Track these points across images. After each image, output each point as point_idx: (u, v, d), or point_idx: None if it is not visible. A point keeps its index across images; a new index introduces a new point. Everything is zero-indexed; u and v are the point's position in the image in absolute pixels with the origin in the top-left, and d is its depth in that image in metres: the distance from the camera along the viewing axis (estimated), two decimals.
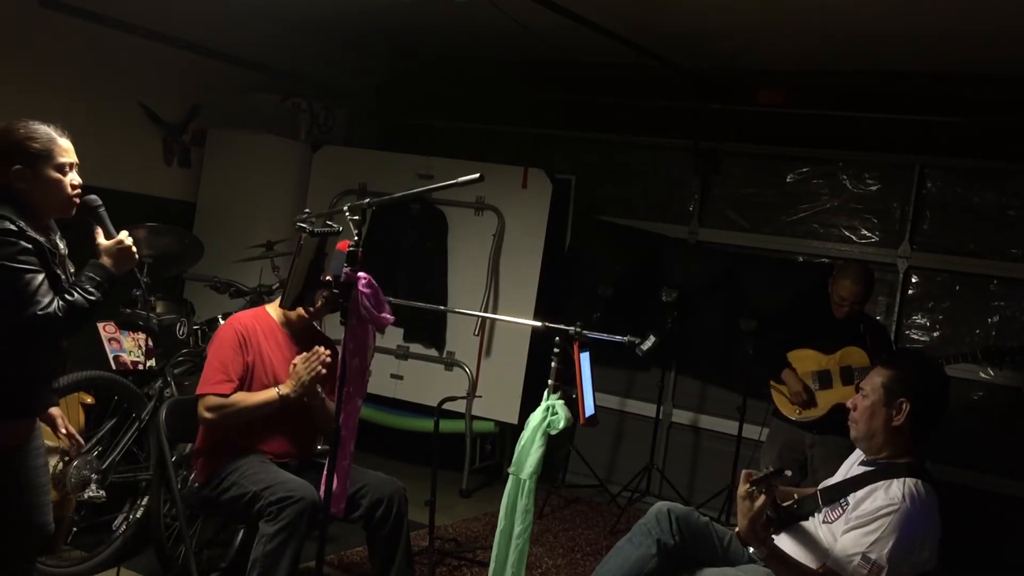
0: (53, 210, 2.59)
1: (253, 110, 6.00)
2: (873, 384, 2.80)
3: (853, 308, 4.29)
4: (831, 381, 4.31)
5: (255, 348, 3.38)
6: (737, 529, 2.70)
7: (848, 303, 4.27)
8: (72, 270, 2.65)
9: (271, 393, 3.29)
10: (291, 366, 3.34)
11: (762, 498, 2.58)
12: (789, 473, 2.70)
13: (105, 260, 2.56)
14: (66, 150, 2.58)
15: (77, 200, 2.60)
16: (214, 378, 3.29)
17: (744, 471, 2.69)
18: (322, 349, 3.34)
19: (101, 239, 2.61)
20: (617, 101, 6.17)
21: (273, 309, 3.52)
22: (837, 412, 4.11)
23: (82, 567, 3.65)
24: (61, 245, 2.66)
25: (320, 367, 3.30)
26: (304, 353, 3.34)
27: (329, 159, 6.04)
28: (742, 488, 2.62)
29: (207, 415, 3.27)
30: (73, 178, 2.59)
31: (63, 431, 2.86)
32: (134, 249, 2.62)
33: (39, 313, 2.39)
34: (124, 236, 2.61)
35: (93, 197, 2.65)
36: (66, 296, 2.45)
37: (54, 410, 2.85)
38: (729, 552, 2.98)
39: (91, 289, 2.49)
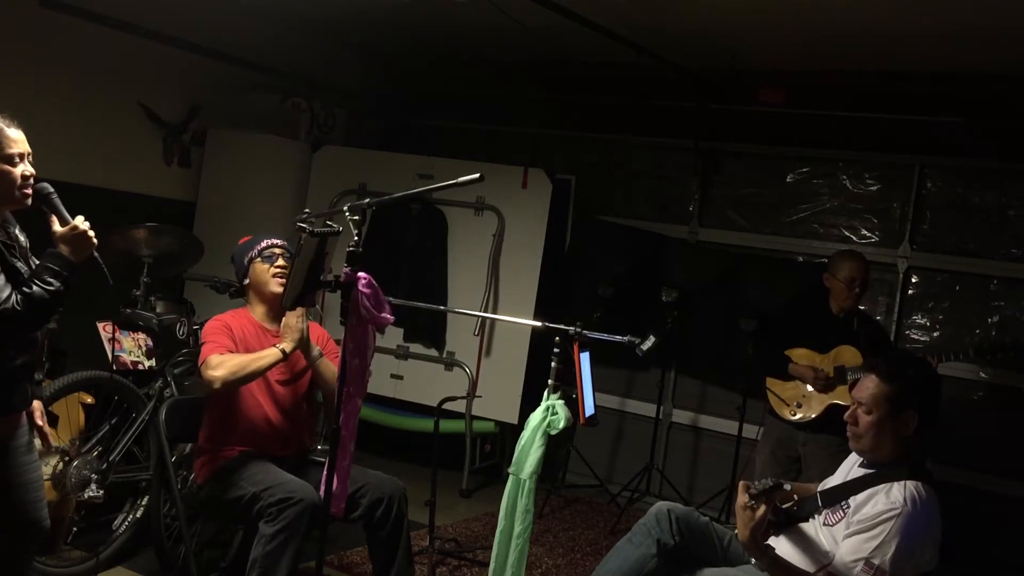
0: (6, 202, 2.55)
1: (253, 110, 6.00)
2: (874, 398, 2.75)
3: (863, 291, 4.27)
4: (829, 383, 4.30)
5: (240, 340, 3.39)
6: (738, 537, 2.70)
7: (858, 283, 4.23)
8: (37, 262, 2.61)
9: (272, 349, 3.30)
10: (282, 327, 3.35)
11: (762, 508, 2.58)
12: (788, 487, 2.69)
13: (62, 248, 2.51)
14: (14, 140, 2.52)
15: (29, 191, 2.55)
16: (211, 346, 3.29)
17: (742, 482, 2.70)
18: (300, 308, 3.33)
19: (56, 227, 2.55)
20: (617, 101, 6.17)
21: (253, 308, 3.53)
22: (831, 412, 4.11)
23: (82, 567, 3.65)
24: (21, 238, 2.63)
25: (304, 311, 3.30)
26: (292, 317, 3.35)
27: (329, 159, 6.04)
28: (741, 498, 2.62)
29: (213, 373, 3.20)
30: (25, 169, 2.54)
31: (38, 422, 2.81)
32: (91, 234, 2.55)
33: None
34: (79, 221, 2.54)
35: (44, 185, 2.60)
36: (24, 289, 2.42)
37: (35, 403, 2.82)
38: (729, 552, 2.99)
39: (49, 279, 2.45)
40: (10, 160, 2.51)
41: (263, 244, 3.49)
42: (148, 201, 5.52)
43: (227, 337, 3.34)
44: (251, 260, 3.49)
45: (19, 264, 2.52)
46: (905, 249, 5.43)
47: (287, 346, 3.29)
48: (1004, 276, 5.20)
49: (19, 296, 2.41)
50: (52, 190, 2.60)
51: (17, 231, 2.63)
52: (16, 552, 2.73)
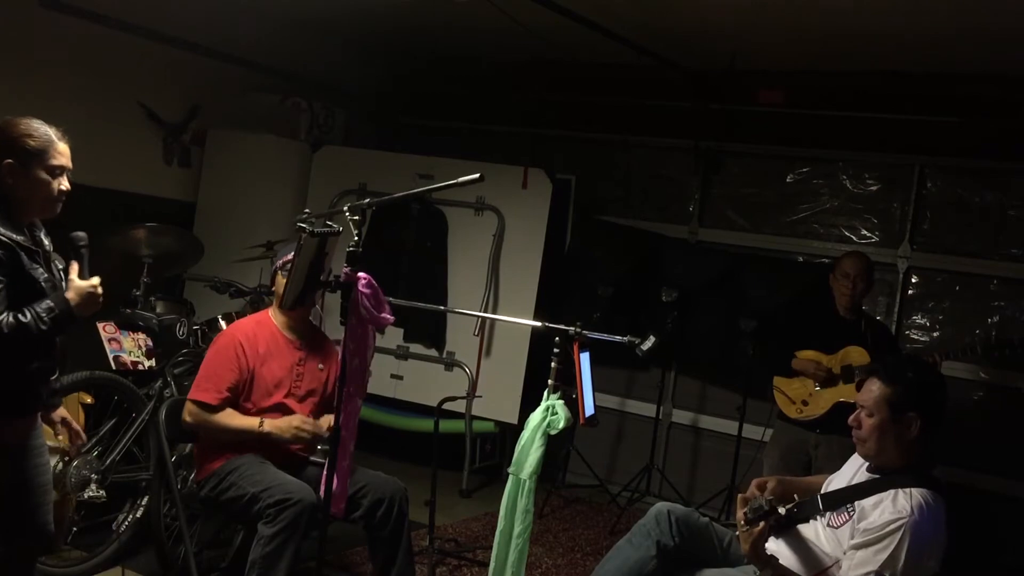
0: (35, 209, 2.59)
1: (253, 110, 5.99)
2: (876, 401, 2.74)
3: (859, 290, 4.28)
4: (834, 380, 4.30)
5: (257, 357, 3.38)
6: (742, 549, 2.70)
7: (853, 278, 4.25)
8: (61, 266, 2.64)
9: (253, 422, 3.32)
10: (295, 420, 3.36)
11: (760, 525, 2.59)
12: (783, 511, 2.69)
13: (71, 295, 2.52)
14: (61, 153, 2.58)
15: (59, 205, 2.60)
16: (203, 385, 3.33)
17: (740, 495, 2.70)
18: (324, 428, 3.38)
19: (74, 275, 2.58)
20: (617, 101, 6.17)
21: (275, 314, 3.52)
22: (839, 410, 4.11)
23: (82, 567, 3.65)
24: (46, 241, 2.65)
25: (309, 437, 3.36)
26: (311, 420, 3.39)
27: (329, 159, 6.04)
28: (740, 512, 2.63)
29: (187, 418, 3.34)
30: (63, 183, 2.59)
31: (73, 426, 2.86)
32: (101, 299, 2.58)
33: None
34: (95, 282, 2.58)
35: (81, 235, 2.66)
36: (19, 315, 2.43)
37: (60, 409, 2.84)
38: (729, 553, 2.98)
39: (45, 318, 2.45)
40: (52, 171, 2.56)
41: (287, 257, 3.38)
42: (148, 201, 5.52)
43: (233, 371, 3.33)
44: (276, 270, 3.49)
45: (39, 271, 2.54)
46: (905, 249, 5.43)
47: (271, 430, 3.31)
48: (1004, 276, 5.20)
49: (11, 319, 2.41)
50: (86, 242, 2.66)
51: (43, 235, 2.65)
52: (21, 555, 2.74)
